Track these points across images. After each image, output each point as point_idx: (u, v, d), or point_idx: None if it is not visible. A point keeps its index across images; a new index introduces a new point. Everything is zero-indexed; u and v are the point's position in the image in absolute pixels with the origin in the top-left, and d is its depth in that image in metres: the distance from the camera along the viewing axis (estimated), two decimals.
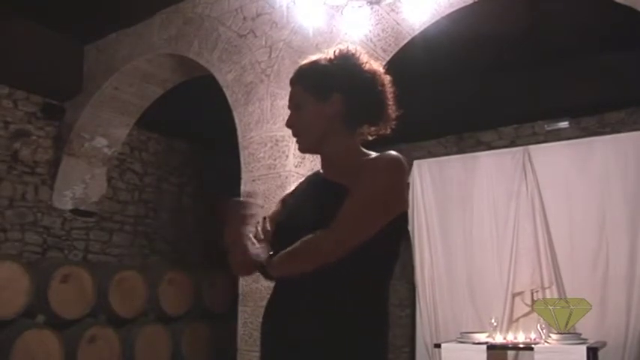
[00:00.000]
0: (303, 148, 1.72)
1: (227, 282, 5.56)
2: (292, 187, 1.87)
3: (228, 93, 4.20)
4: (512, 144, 5.89)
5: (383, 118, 1.68)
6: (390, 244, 1.58)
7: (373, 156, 1.63)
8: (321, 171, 1.74)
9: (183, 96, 5.47)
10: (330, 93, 1.62)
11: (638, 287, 4.71)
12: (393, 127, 1.72)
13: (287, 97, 4.01)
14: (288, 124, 1.71)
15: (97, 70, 5.26)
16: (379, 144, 1.74)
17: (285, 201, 1.78)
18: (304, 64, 1.70)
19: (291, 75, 1.73)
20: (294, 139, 1.72)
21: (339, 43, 1.77)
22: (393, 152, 1.59)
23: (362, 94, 1.64)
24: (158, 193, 6.56)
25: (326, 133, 1.65)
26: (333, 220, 1.46)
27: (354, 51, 1.67)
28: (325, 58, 1.67)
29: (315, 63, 1.68)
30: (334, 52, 1.67)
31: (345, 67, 1.64)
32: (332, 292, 1.49)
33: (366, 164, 1.59)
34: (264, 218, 1.70)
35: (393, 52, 3.90)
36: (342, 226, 1.46)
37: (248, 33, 4.15)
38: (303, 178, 1.91)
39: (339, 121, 1.64)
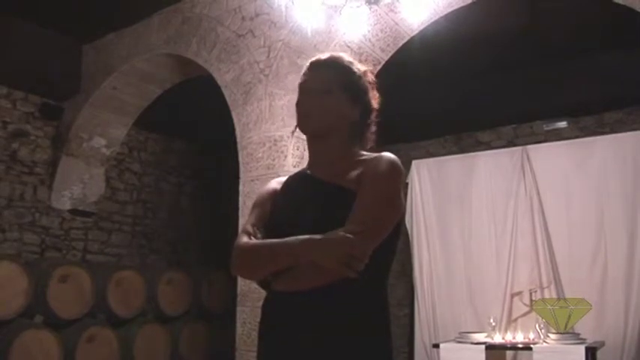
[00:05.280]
0: (309, 129, 1.70)
1: (225, 282, 5.56)
2: (270, 187, 1.80)
3: (226, 93, 4.20)
4: (510, 144, 5.90)
5: (363, 146, 1.75)
6: (391, 245, 1.61)
7: (370, 157, 1.65)
8: (308, 171, 1.73)
9: (182, 96, 5.47)
10: (357, 101, 1.69)
11: (637, 287, 4.71)
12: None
13: (285, 97, 4.00)
14: (308, 103, 1.68)
15: (96, 70, 5.25)
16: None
17: (273, 202, 1.73)
18: (342, 59, 1.73)
19: (307, 64, 1.73)
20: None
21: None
22: (390, 155, 1.63)
23: (367, 120, 1.73)
24: (157, 193, 6.56)
25: (335, 131, 1.68)
26: (348, 228, 1.44)
27: (374, 80, 1.76)
28: (358, 69, 1.72)
29: (352, 66, 1.71)
30: (367, 71, 1.74)
31: (370, 89, 1.73)
32: (348, 296, 1.50)
33: (368, 169, 1.59)
34: (254, 226, 1.66)
35: (392, 52, 3.90)
36: (366, 236, 1.45)
37: (246, 33, 4.15)
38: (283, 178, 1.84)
39: (349, 129, 1.69)
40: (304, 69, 1.75)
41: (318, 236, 1.44)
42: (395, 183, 1.59)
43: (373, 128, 1.76)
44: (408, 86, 4.95)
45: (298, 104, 1.71)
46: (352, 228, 1.43)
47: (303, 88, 1.70)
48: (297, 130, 1.81)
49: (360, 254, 1.40)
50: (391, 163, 1.60)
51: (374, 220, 1.49)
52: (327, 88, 1.66)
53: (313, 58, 1.75)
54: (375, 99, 1.74)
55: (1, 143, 5.20)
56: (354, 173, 1.61)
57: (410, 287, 6.04)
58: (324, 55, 1.75)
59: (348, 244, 1.39)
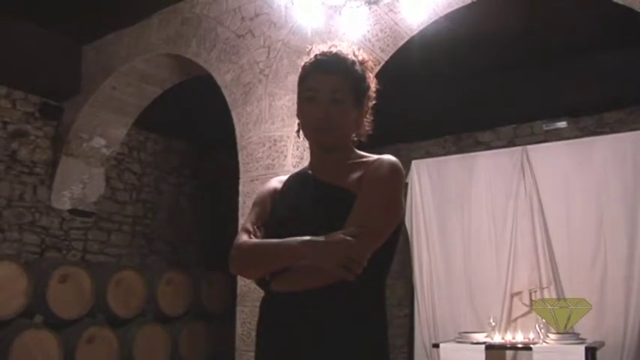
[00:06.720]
0: (329, 143, 1.66)
1: (225, 282, 5.56)
2: (270, 185, 1.78)
3: (226, 93, 4.20)
4: (510, 144, 5.91)
5: (360, 135, 1.74)
6: (391, 246, 1.61)
7: (372, 160, 1.65)
8: (309, 172, 1.72)
9: (182, 96, 5.47)
10: (362, 102, 1.67)
11: (637, 287, 4.71)
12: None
13: (285, 97, 4.00)
14: (328, 115, 1.61)
15: (96, 71, 5.25)
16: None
17: (274, 201, 1.72)
18: (348, 59, 1.65)
19: (325, 64, 1.64)
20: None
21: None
22: (391, 157, 1.63)
23: (366, 114, 1.71)
24: (156, 194, 6.55)
25: (346, 139, 1.69)
26: (347, 231, 1.45)
27: (372, 65, 1.72)
28: (357, 63, 1.66)
29: (354, 65, 1.65)
30: (366, 61, 1.69)
31: (370, 83, 1.70)
32: (346, 296, 1.50)
33: (369, 172, 1.60)
34: (254, 225, 1.66)
35: (392, 52, 3.90)
36: (365, 239, 1.45)
37: (246, 33, 4.15)
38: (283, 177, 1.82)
39: (353, 129, 1.69)
40: (309, 64, 1.68)
41: (318, 238, 1.45)
42: (395, 186, 1.60)
43: (370, 117, 1.73)
44: (408, 86, 4.95)
45: (315, 114, 1.63)
46: (351, 231, 1.44)
47: (318, 98, 1.62)
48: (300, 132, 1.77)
49: (359, 257, 1.41)
50: (392, 165, 1.60)
51: (373, 223, 1.49)
52: (342, 98, 1.62)
53: (318, 52, 1.68)
54: (373, 83, 1.71)
55: (1, 143, 5.20)
56: (355, 175, 1.61)
57: (410, 287, 6.04)
58: (328, 50, 1.67)
59: (347, 247, 1.40)
